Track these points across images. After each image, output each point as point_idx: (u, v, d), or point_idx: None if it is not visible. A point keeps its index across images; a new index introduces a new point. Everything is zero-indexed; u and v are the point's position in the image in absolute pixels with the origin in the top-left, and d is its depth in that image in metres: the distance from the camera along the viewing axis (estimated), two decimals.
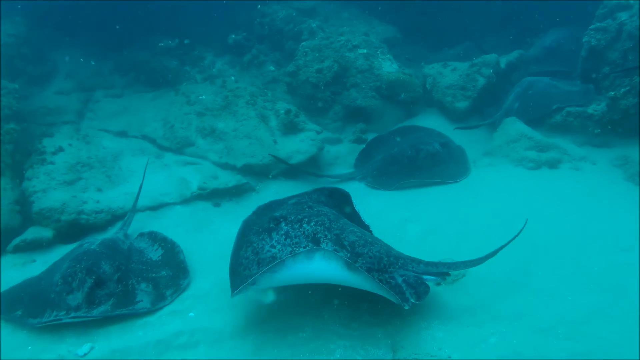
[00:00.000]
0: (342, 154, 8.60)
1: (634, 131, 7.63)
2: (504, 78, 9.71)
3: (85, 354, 4.14)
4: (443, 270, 4.36)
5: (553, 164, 7.50)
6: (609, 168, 7.39)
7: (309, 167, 7.86)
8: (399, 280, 4.04)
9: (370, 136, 8.88)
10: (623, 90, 7.66)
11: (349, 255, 4.07)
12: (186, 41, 10.96)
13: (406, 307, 3.93)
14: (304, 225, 4.28)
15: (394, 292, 3.91)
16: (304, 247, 4.08)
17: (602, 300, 4.55)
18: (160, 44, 10.83)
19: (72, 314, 4.29)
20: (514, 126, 8.05)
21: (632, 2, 8.50)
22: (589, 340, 4.10)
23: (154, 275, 4.97)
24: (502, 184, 7.11)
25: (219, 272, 5.19)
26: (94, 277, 4.52)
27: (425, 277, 4.23)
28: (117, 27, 10.18)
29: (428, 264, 4.36)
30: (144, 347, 4.19)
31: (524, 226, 4.46)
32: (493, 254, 4.37)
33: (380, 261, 4.18)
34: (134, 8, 10.29)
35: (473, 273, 4.94)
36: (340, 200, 5.29)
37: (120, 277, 4.72)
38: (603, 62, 8.44)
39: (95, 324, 4.43)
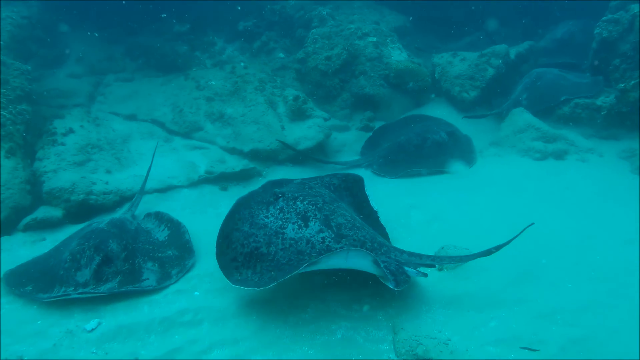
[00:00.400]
0: (349, 142, 8.64)
1: (635, 123, 7.61)
2: (514, 69, 9.67)
3: (92, 329, 4.24)
4: (427, 262, 4.38)
5: (559, 155, 7.51)
6: (616, 160, 7.40)
7: (316, 153, 7.92)
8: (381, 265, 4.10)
9: (377, 124, 8.91)
10: (633, 82, 7.64)
11: (333, 235, 4.29)
12: (186, 26, 10.94)
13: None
14: (297, 203, 4.55)
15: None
16: (293, 223, 4.38)
17: (602, 290, 4.59)
18: (172, 29, 10.87)
19: (80, 290, 4.40)
20: (522, 117, 8.04)
21: None
22: (587, 327, 4.15)
23: (160, 254, 5.06)
24: (508, 174, 7.13)
25: None
26: (101, 254, 4.62)
27: (406, 268, 4.27)
28: (124, 3, 10.20)
29: (412, 254, 4.41)
30: (149, 323, 4.29)
31: (526, 228, 4.39)
32: (485, 253, 4.33)
33: (364, 245, 4.33)
34: None
35: (475, 260, 4.98)
36: (352, 185, 5.49)
37: (127, 256, 4.81)
38: (614, 54, 8.40)
39: (102, 301, 4.53)
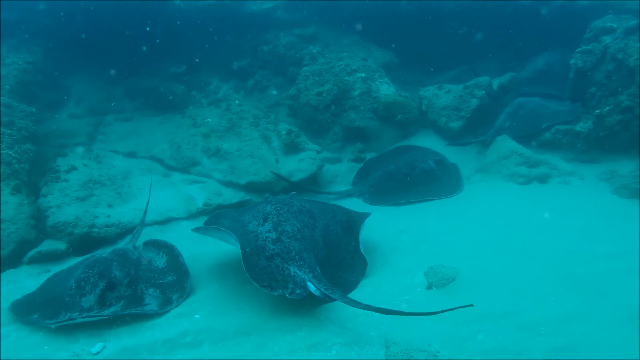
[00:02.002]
0: (342, 172, 8.96)
1: (620, 147, 7.97)
2: (496, 99, 10.11)
3: (98, 352, 4.43)
4: (324, 292, 4.57)
5: (543, 179, 7.83)
6: (597, 182, 7.70)
7: (310, 184, 8.22)
8: (291, 272, 4.76)
9: (368, 155, 9.26)
10: (608, 108, 8.04)
11: (273, 237, 5.04)
12: (182, 67, 11.44)
13: (274, 293, 4.65)
14: (267, 206, 5.47)
15: (277, 277, 4.76)
16: (257, 220, 5.33)
17: (583, 302, 4.80)
18: (169, 70, 11.33)
19: (85, 314, 4.61)
20: (506, 143, 8.41)
21: (615, 26, 8.97)
22: (570, 337, 4.36)
23: (161, 281, 5.28)
24: (494, 198, 7.43)
25: (223, 279, 5.54)
26: (105, 280, 4.85)
27: (309, 284, 4.68)
28: (125, 52, 10.70)
29: (319, 279, 4.73)
30: (152, 345, 4.48)
31: (462, 307, 4.29)
32: (397, 313, 4.29)
33: (289, 253, 4.91)
34: (142, 37, 10.83)
35: (463, 277, 5.23)
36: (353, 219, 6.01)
37: (130, 282, 5.04)
38: (590, 83, 8.86)
39: (107, 326, 4.73)
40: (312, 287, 4.66)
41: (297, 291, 4.66)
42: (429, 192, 7.75)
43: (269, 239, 5.03)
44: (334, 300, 4.59)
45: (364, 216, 6.01)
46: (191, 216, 7.30)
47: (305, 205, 5.72)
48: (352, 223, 5.95)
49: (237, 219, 5.65)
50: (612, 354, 4.13)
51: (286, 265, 4.83)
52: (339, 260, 5.42)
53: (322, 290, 4.59)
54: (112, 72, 10.98)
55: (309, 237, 5.22)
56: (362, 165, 8.83)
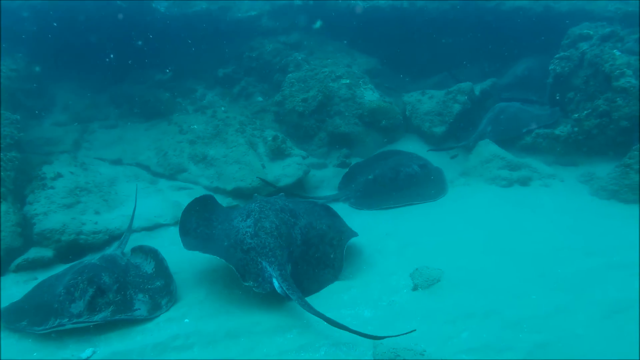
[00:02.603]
0: (327, 178, 9.06)
1: (598, 150, 8.21)
2: (479, 104, 10.31)
3: (88, 358, 4.45)
4: (285, 291, 4.82)
5: (524, 182, 8.01)
6: (576, 184, 7.91)
7: (296, 189, 8.30)
8: (263, 265, 5.05)
9: (353, 160, 9.38)
10: (586, 112, 8.28)
11: (252, 232, 5.32)
12: (168, 74, 11.49)
13: (245, 283, 4.95)
14: (253, 204, 5.79)
15: (251, 269, 5.05)
16: (241, 216, 5.61)
17: (564, 299, 4.95)
18: (154, 78, 11.36)
19: (75, 320, 4.62)
20: (488, 148, 8.59)
21: (591, 33, 9.24)
22: (551, 333, 4.50)
23: (149, 286, 5.31)
24: (477, 201, 7.58)
25: (212, 283, 5.59)
26: (94, 286, 4.87)
27: (274, 281, 4.94)
28: (110, 59, 10.71)
29: (285, 277, 4.95)
30: (142, 349, 4.51)
31: (407, 333, 4.35)
32: (370, 337, 4.31)
33: (263, 248, 5.17)
34: (127, 44, 10.85)
35: (448, 278, 5.35)
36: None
37: (119, 288, 5.05)
38: (568, 88, 9.10)
39: (96, 331, 4.75)
40: (276, 284, 4.91)
41: (264, 285, 4.94)
42: (414, 196, 7.88)
43: (248, 234, 5.30)
44: (292, 300, 4.80)
45: (349, 233, 6.11)
46: (178, 222, 7.24)
47: (289, 205, 5.96)
48: (338, 227, 6.10)
49: (227, 215, 5.96)
50: (592, 348, 4.27)
51: (259, 259, 5.10)
52: (317, 258, 5.62)
53: (284, 288, 4.83)
54: (97, 79, 10.97)
55: (286, 235, 5.46)
56: (347, 170, 8.95)
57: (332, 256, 5.67)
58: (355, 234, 6.06)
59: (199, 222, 5.80)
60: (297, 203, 6.35)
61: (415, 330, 4.38)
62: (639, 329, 4.40)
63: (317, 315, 4.52)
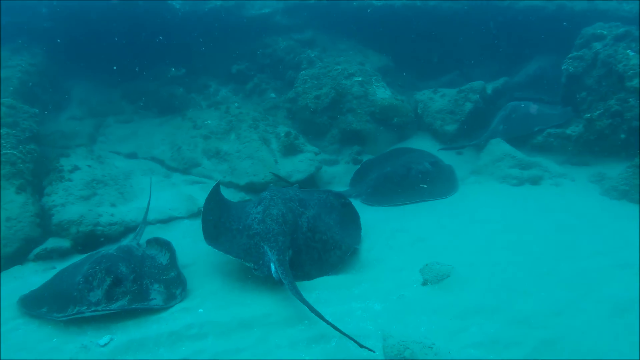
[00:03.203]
0: (339, 174, 9.15)
1: (609, 150, 8.21)
2: (491, 103, 10.34)
3: (105, 344, 4.59)
4: (280, 275, 5.05)
5: (535, 181, 8.04)
6: (587, 184, 7.92)
7: (308, 185, 8.38)
8: (265, 250, 5.33)
9: (365, 157, 9.46)
10: (598, 112, 8.28)
11: (260, 218, 5.69)
12: (182, 70, 11.64)
13: (247, 264, 5.29)
14: (265, 193, 6.24)
15: (253, 253, 5.38)
16: (253, 202, 6.18)
17: (571, 296, 5.00)
18: (168, 74, 11.51)
19: (93, 308, 4.76)
20: (499, 146, 8.63)
21: (605, 33, 9.22)
22: (558, 329, 4.56)
23: (164, 277, 5.45)
24: (487, 199, 7.64)
25: (226, 275, 5.71)
26: (112, 276, 5.01)
27: (272, 265, 5.19)
28: (125, 55, 10.87)
29: (282, 262, 5.18)
30: (158, 338, 4.64)
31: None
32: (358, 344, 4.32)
33: (267, 233, 5.47)
34: (142, 40, 11.00)
35: (457, 274, 5.43)
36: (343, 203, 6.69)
37: (135, 278, 5.19)
38: (581, 88, 9.10)
39: (114, 319, 4.88)
40: (272, 268, 5.14)
41: (263, 269, 5.22)
42: (425, 193, 7.95)
43: (256, 220, 5.67)
44: (284, 285, 5.03)
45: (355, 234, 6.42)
46: (192, 215, 7.47)
47: (300, 195, 6.28)
48: (349, 217, 6.44)
49: (243, 206, 6.40)
50: (598, 346, 4.33)
51: (262, 244, 5.39)
52: (322, 246, 5.83)
53: (279, 273, 5.05)
54: (112, 75, 11.14)
55: (291, 222, 5.74)
56: (359, 167, 9.03)
57: (336, 247, 5.89)
58: (359, 237, 6.29)
59: (221, 213, 6.12)
60: (311, 193, 6.68)
61: (374, 352, 4.29)
62: None
63: (303, 302, 4.69)
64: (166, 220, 7.24)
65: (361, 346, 4.21)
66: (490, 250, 5.97)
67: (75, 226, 6.57)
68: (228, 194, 8.03)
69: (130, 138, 9.89)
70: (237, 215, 6.06)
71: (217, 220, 5.93)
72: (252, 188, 8.11)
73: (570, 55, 9.41)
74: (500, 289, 5.20)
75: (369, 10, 11.43)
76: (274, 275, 5.12)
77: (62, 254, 6.39)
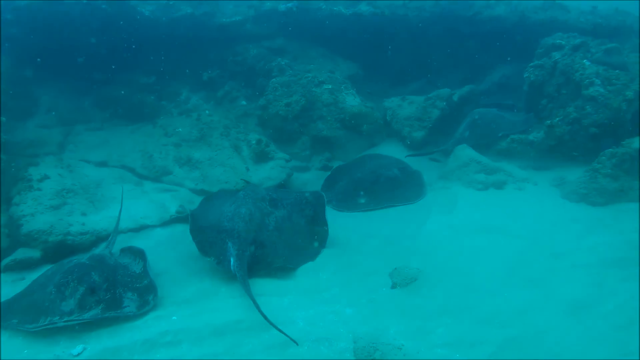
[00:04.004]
0: (310, 180, 9.29)
1: (569, 155, 8.58)
2: (457, 110, 10.64)
3: (79, 354, 4.61)
4: (236, 269, 5.44)
5: (499, 185, 8.33)
6: (549, 188, 8.26)
7: None
8: (228, 246, 5.72)
9: (335, 164, 9.63)
10: (557, 119, 8.64)
11: (229, 215, 6.14)
12: (152, 78, 11.62)
13: (207, 258, 5.78)
14: (240, 192, 6.72)
15: (216, 248, 5.83)
16: (230, 200, 6.52)
17: (531, 296, 5.28)
18: (138, 81, 11.46)
19: (66, 318, 4.77)
20: (465, 152, 8.91)
21: (563, 43, 9.64)
22: (521, 327, 4.80)
23: (138, 285, 5.47)
24: (455, 203, 7.89)
25: (199, 282, 5.78)
26: (85, 285, 5.01)
27: (231, 259, 5.56)
28: (94, 62, 10.78)
29: (240, 257, 5.57)
30: (132, 346, 4.68)
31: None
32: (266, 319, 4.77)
33: (232, 230, 5.87)
34: (112, 48, 10.94)
35: (425, 277, 5.63)
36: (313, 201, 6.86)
37: (108, 287, 5.20)
38: (542, 95, 9.49)
39: (87, 328, 4.89)
40: (232, 262, 5.51)
41: (224, 263, 5.61)
42: (394, 199, 8.14)
43: (226, 217, 6.08)
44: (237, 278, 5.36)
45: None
46: (164, 223, 7.47)
47: (271, 195, 6.67)
48: (317, 217, 6.70)
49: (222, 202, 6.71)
50: (557, 342, 4.58)
51: (227, 239, 5.77)
52: (291, 243, 6.22)
53: (236, 266, 5.42)
54: (82, 82, 11.04)
55: (258, 221, 6.13)
56: (329, 173, 9.18)
57: (308, 243, 6.30)
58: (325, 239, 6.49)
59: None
60: (288, 193, 7.02)
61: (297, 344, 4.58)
62: (600, 324, 4.75)
63: (249, 296, 5.01)
64: (138, 229, 7.22)
65: (285, 334, 4.59)
66: (456, 253, 6.20)
67: (45, 236, 6.51)
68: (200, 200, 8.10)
69: (100, 146, 9.79)
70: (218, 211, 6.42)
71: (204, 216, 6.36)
72: None
73: (531, 64, 9.82)
74: (466, 291, 5.42)
75: (338, 18, 11.64)
76: (232, 269, 5.43)
77: (32, 265, 6.32)
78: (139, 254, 6.01)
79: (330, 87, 10.39)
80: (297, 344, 4.54)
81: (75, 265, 5.37)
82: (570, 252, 6.03)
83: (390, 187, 8.35)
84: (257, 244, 5.87)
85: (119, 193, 7.87)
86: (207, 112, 10.57)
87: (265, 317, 4.74)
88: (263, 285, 5.57)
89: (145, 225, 7.34)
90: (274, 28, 12.20)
